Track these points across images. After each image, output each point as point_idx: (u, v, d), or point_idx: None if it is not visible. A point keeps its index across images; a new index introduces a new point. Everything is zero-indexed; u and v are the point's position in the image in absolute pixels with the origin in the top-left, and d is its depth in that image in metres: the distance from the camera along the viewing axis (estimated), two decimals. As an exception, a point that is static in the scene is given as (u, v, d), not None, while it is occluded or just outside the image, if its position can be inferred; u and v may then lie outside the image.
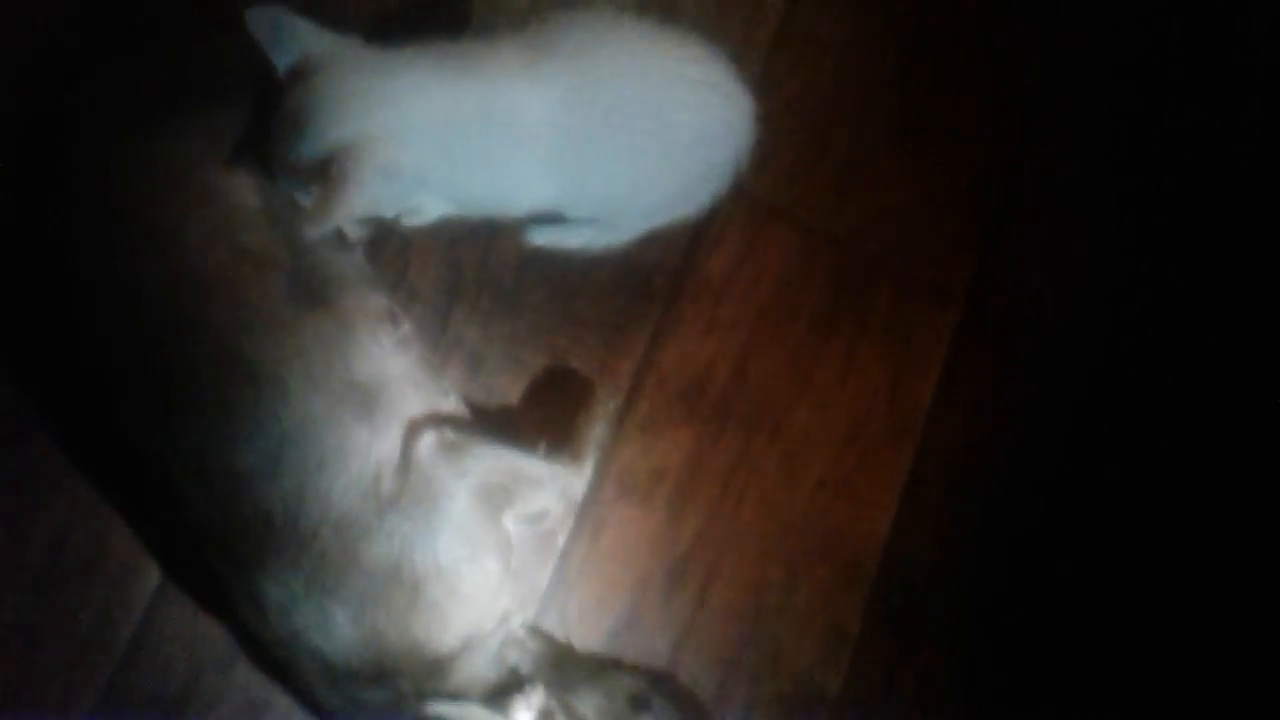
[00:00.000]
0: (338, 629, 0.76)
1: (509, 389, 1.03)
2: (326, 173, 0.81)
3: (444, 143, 0.86)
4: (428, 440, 0.81)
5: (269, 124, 0.83)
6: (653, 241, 1.06)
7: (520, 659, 0.84)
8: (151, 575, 0.93)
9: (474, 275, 1.04)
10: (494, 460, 0.84)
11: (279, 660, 0.81)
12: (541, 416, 1.02)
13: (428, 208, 0.99)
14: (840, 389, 1.10)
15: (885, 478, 1.10)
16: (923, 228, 1.15)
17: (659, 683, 0.89)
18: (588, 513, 1.02)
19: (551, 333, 1.05)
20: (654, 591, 1.02)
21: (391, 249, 1.03)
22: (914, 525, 1.09)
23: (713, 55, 0.96)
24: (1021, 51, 1.22)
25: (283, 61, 0.83)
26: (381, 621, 0.76)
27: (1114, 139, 1.23)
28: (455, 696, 0.77)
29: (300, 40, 0.82)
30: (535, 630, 0.91)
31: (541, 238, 1.04)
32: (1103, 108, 1.23)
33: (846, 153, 1.15)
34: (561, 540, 1.01)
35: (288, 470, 0.75)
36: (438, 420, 0.84)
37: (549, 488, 0.89)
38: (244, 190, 0.83)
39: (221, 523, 0.76)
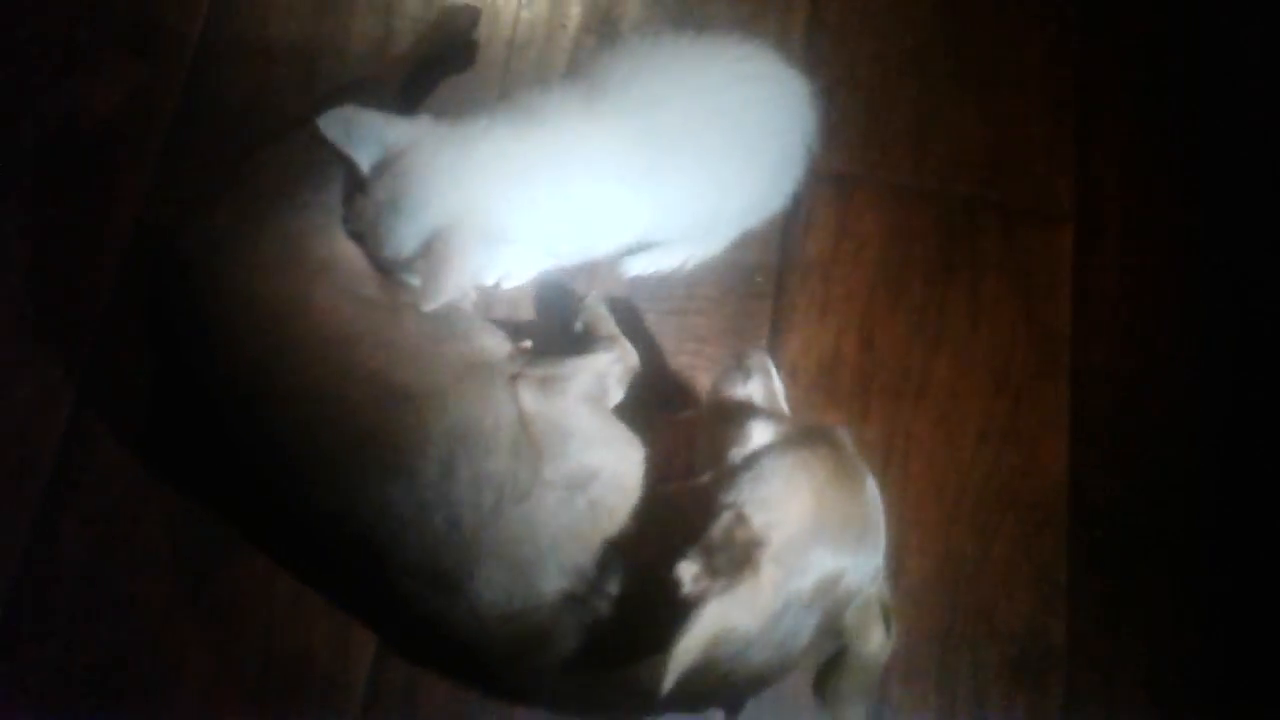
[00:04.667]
0: (547, 585, 0.76)
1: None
2: (430, 252, 0.85)
3: (530, 198, 0.89)
4: (526, 391, 0.83)
5: (363, 216, 0.87)
6: (746, 244, 1.06)
7: None
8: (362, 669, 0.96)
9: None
10: (574, 369, 0.87)
11: (508, 674, 0.81)
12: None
13: (526, 265, 1.02)
14: (974, 335, 1.07)
15: (1048, 413, 1.05)
16: (1009, 157, 1.13)
17: None
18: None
19: (674, 354, 1.05)
20: (846, 580, 0.99)
21: (501, 302, 1.05)
22: (1092, 453, 1.04)
23: (756, 49, 0.97)
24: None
25: (364, 158, 0.87)
26: (579, 558, 0.76)
27: (1176, 29, 1.19)
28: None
29: (377, 133, 0.87)
30: None
31: (638, 267, 1.06)
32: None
33: (911, 107, 1.14)
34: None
35: (461, 465, 0.77)
36: (517, 361, 0.86)
37: (613, 365, 0.91)
38: (356, 253, 0.88)
39: (420, 548, 0.77)
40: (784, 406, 0.85)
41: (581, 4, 1.16)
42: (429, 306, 0.82)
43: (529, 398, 0.82)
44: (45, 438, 1.01)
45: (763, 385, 0.84)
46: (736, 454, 0.75)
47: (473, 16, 1.12)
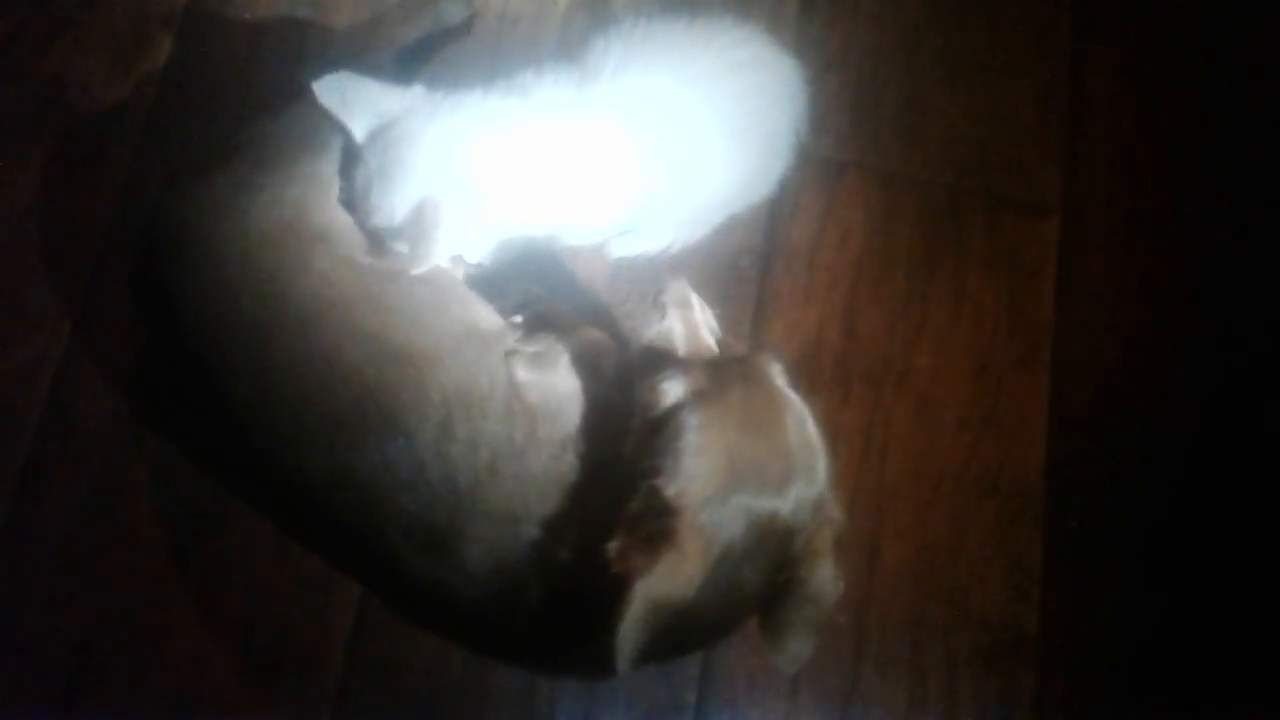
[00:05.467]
0: (524, 536, 0.76)
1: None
2: (417, 217, 0.85)
3: (519, 175, 0.89)
4: (520, 366, 0.84)
5: (355, 185, 0.87)
6: (731, 227, 1.05)
7: None
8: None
9: (568, 295, 1.06)
10: (566, 346, 0.87)
11: (495, 631, 0.81)
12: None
13: (515, 239, 1.02)
14: (956, 323, 1.07)
15: (1027, 403, 1.05)
16: (998, 147, 1.12)
17: None
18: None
19: (656, 335, 1.05)
20: (822, 565, 0.99)
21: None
22: (1071, 444, 1.04)
23: (748, 35, 0.97)
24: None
25: (359, 126, 0.87)
26: (557, 508, 0.77)
27: (1168, 21, 1.19)
28: None
29: (371, 101, 0.87)
30: None
31: (624, 249, 1.05)
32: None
33: (901, 94, 1.14)
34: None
35: (459, 425, 0.78)
36: (509, 337, 0.87)
37: (602, 339, 0.92)
38: (352, 222, 0.88)
39: (416, 508, 0.77)
40: (708, 338, 0.83)
41: (573, -19, 1.15)
42: (415, 270, 0.83)
43: (523, 372, 0.83)
44: (25, 413, 1.01)
45: (682, 320, 0.82)
46: (650, 416, 0.74)
47: None
